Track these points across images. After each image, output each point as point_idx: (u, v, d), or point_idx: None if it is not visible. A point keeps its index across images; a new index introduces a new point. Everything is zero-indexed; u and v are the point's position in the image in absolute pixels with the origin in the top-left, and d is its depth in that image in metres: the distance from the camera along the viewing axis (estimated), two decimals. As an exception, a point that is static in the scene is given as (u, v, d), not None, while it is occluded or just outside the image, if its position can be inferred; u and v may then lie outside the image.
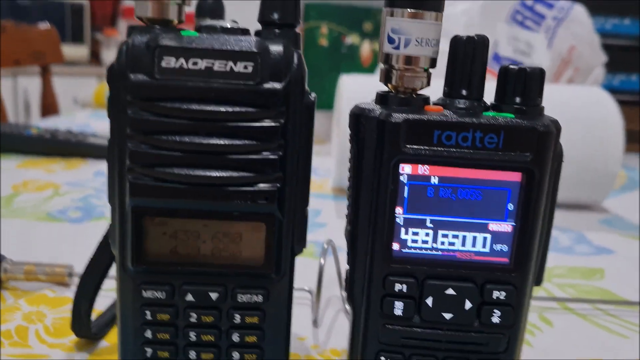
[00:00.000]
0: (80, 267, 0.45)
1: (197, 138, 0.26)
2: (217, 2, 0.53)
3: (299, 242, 0.29)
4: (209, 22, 0.28)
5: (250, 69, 0.26)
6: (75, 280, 0.43)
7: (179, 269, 0.28)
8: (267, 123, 0.26)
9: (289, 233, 0.28)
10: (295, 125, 0.27)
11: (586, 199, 0.70)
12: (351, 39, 1.00)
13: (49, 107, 1.41)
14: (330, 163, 0.84)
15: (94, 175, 0.74)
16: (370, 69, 0.99)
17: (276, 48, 0.26)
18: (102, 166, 0.77)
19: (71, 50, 2.54)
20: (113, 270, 0.31)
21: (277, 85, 0.26)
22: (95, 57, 2.71)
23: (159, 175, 0.27)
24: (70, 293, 0.42)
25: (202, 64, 0.26)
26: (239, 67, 0.26)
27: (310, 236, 0.56)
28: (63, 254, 0.48)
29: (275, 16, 0.27)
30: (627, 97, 1.07)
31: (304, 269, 0.41)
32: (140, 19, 0.27)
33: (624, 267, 0.55)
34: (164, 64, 0.26)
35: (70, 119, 1.13)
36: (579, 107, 0.69)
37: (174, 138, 0.26)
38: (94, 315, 0.35)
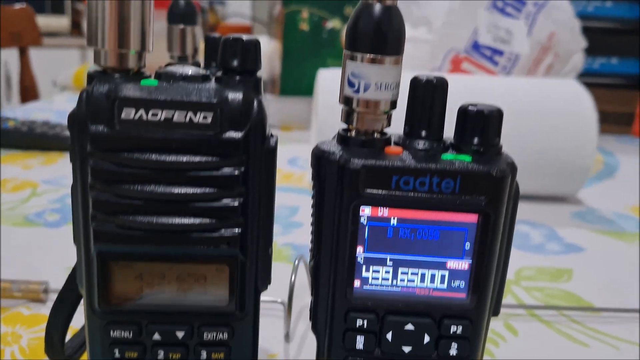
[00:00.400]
0: (56, 278, 0.45)
1: (159, 187, 0.27)
2: (188, 7, 0.53)
3: (263, 281, 0.30)
4: (169, 68, 0.28)
5: (209, 119, 0.26)
6: (51, 297, 0.44)
7: (145, 310, 0.29)
8: (227, 171, 0.27)
9: (252, 273, 0.29)
10: (255, 171, 0.27)
11: (560, 191, 0.72)
12: (332, 23, 0.99)
13: (27, 90, 1.40)
14: (308, 152, 0.84)
15: (71, 171, 0.74)
16: (350, 54, 0.99)
17: (236, 96, 0.27)
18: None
19: (51, 21, 2.50)
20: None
21: (236, 135, 0.27)
22: (76, 28, 2.66)
23: (122, 223, 0.27)
24: (45, 310, 0.42)
25: (162, 115, 0.26)
26: (199, 118, 0.26)
27: (287, 238, 0.56)
28: (40, 264, 0.49)
29: (235, 63, 0.27)
30: (607, 80, 1.08)
31: (277, 273, 0.41)
32: (99, 66, 0.27)
33: (592, 266, 0.56)
34: (123, 115, 0.26)
35: (49, 104, 1.12)
36: (554, 100, 0.70)
37: (135, 187, 0.27)
38: (69, 334, 0.36)
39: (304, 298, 0.46)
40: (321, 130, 0.67)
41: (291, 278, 0.41)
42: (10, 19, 1.30)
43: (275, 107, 0.98)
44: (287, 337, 0.41)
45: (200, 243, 0.27)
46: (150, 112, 0.26)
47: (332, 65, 0.99)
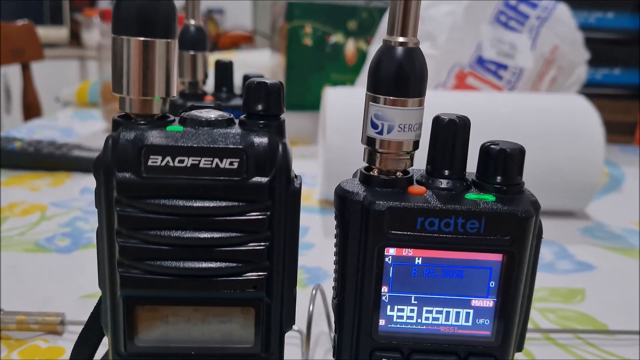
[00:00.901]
0: (71, 308, 0.45)
1: (185, 232, 0.27)
2: (199, 33, 0.53)
3: (287, 321, 0.30)
4: (193, 112, 0.28)
5: (236, 165, 0.26)
6: (68, 328, 0.44)
7: (170, 352, 0.29)
8: (253, 216, 0.27)
9: (277, 314, 0.29)
10: (281, 215, 0.28)
11: (567, 207, 0.72)
12: (335, 37, 0.99)
13: (30, 106, 1.40)
14: (315, 168, 0.84)
15: (80, 192, 0.74)
16: (355, 69, 0.99)
17: (261, 141, 0.27)
18: (88, 181, 0.77)
19: (50, 33, 2.50)
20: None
21: (262, 180, 0.27)
22: (75, 39, 2.66)
23: (148, 268, 0.27)
24: (62, 342, 0.42)
25: (188, 161, 0.26)
26: (225, 164, 0.26)
27: (299, 260, 0.57)
28: (53, 293, 0.49)
29: (260, 107, 0.27)
30: (610, 90, 1.08)
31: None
32: (125, 113, 0.28)
33: (604, 285, 0.56)
34: (150, 162, 0.26)
35: (52, 120, 1.12)
36: (561, 117, 0.70)
37: (162, 233, 0.27)
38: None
39: (320, 325, 0.46)
40: (329, 150, 0.67)
41: (309, 308, 0.41)
42: (12, 35, 1.30)
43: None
44: (306, 367, 0.41)
45: (227, 287, 0.27)
46: (177, 159, 0.26)
47: (336, 79, 0.99)
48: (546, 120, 0.70)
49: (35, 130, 1.02)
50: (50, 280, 0.51)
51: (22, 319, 0.42)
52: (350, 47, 1.00)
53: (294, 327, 0.44)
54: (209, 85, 0.57)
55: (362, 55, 1.00)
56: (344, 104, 0.70)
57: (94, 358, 0.34)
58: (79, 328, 0.33)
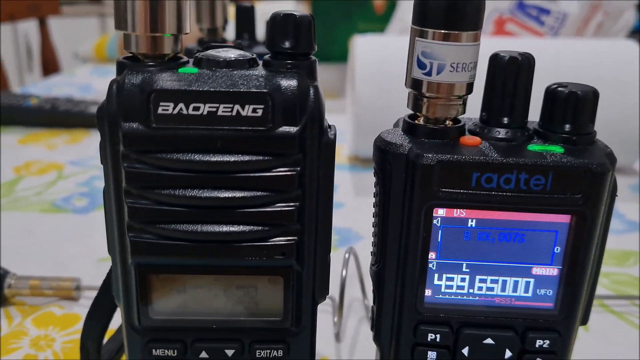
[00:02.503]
0: (87, 272, 0.43)
1: (203, 192, 0.23)
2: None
3: (321, 292, 0.26)
4: (210, 52, 0.24)
5: (260, 113, 0.22)
6: (84, 294, 0.41)
7: (190, 326, 0.26)
8: (281, 172, 0.23)
9: (310, 284, 0.26)
10: (313, 170, 0.24)
11: (617, 163, 0.67)
12: (363, -16, 0.93)
13: (48, 62, 1.37)
14: (344, 122, 0.80)
15: (97, 150, 0.71)
16: (384, 18, 0.93)
17: (289, 84, 0.23)
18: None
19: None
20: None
21: (291, 130, 0.23)
22: (95, -5, 2.61)
23: (162, 233, 0.24)
24: (78, 308, 0.40)
25: (205, 108, 0.22)
26: (247, 111, 0.22)
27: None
28: (69, 256, 0.46)
29: (287, 44, 0.23)
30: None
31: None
32: (130, 53, 0.24)
33: (659, 246, 0.52)
34: (160, 110, 0.22)
35: (71, 77, 1.09)
36: (611, 63, 0.65)
37: (176, 192, 0.23)
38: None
39: (352, 291, 0.42)
40: (358, 103, 0.63)
41: (342, 273, 0.38)
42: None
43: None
44: (338, 337, 0.38)
45: (251, 254, 0.24)
46: (192, 106, 0.22)
47: (364, 29, 0.94)
48: (594, 67, 0.64)
49: (53, 87, 0.99)
50: (66, 242, 0.49)
51: (35, 284, 0.40)
52: (379, -6, 0.94)
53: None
54: (230, 33, 0.52)
55: (391, 4, 0.94)
56: (375, 53, 0.65)
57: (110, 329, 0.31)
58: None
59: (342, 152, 0.72)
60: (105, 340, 0.32)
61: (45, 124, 0.77)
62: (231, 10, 0.51)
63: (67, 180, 0.61)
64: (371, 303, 0.28)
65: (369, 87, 0.63)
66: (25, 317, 0.39)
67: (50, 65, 1.39)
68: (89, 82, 1.04)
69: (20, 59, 2.30)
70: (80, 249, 0.47)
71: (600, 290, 0.45)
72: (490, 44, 0.68)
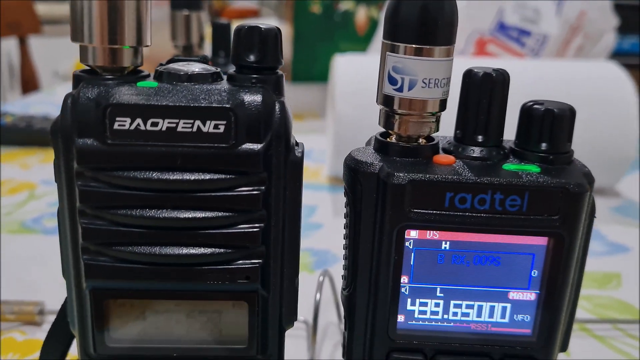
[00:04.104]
0: (53, 296, 0.41)
1: (162, 212, 0.22)
2: (193, -9, 0.48)
3: (288, 317, 0.25)
4: (171, 66, 0.23)
5: (222, 129, 0.21)
6: (48, 318, 0.39)
7: (149, 354, 0.24)
8: (245, 191, 0.22)
9: (276, 309, 0.24)
10: (279, 190, 0.23)
11: (597, 183, 0.66)
12: (345, 4, 0.93)
13: (28, 81, 1.35)
14: (324, 143, 0.79)
15: (73, 169, 0.69)
16: (366, 38, 0.93)
17: (253, 99, 0.22)
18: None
19: (52, 9, 2.44)
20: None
21: (255, 147, 0.22)
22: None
23: (118, 255, 0.22)
24: (41, 334, 0.38)
25: (164, 124, 0.21)
26: (209, 127, 0.21)
27: (305, 242, 0.52)
28: (36, 278, 0.44)
29: (252, 58, 0.22)
30: (638, 60, 1.01)
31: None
32: (87, 66, 0.23)
33: (641, 269, 0.51)
34: (117, 125, 0.21)
35: (50, 95, 1.07)
36: (591, 85, 0.64)
37: (133, 212, 0.22)
38: None
39: (327, 315, 0.41)
40: (339, 121, 0.62)
41: (316, 296, 0.37)
42: (8, 7, 1.25)
43: (286, 94, 0.93)
44: (312, 362, 0.37)
45: (214, 278, 0.23)
46: (150, 121, 0.21)
47: (346, 49, 0.93)
48: (575, 89, 0.64)
49: (31, 106, 0.97)
50: (34, 264, 0.47)
51: (-4, 308, 0.38)
52: (362, 15, 0.94)
53: (300, 317, 0.40)
54: (206, 50, 0.51)
55: (373, 24, 0.94)
56: (355, 71, 0.64)
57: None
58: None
59: (322, 173, 0.71)
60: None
61: (20, 142, 0.75)
62: (208, 31, 0.50)
63: (38, 201, 0.60)
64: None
65: (349, 106, 0.62)
66: (-16, 344, 0.37)
67: (29, 84, 1.37)
68: (68, 100, 1.02)
69: (2, 78, 2.28)
70: (48, 271, 0.46)
71: (581, 313, 0.44)
72: (471, 64, 0.68)
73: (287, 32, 0.99)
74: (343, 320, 0.39)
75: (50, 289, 0.43)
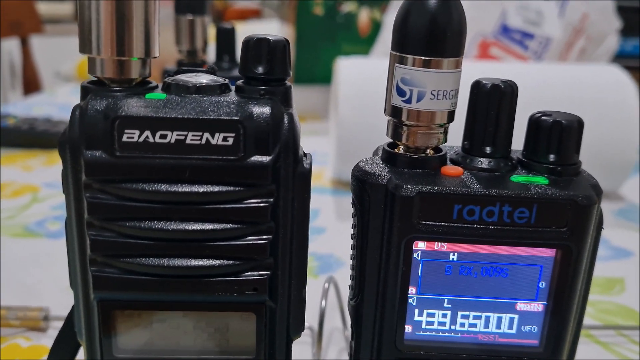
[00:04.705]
0: (58, 301, 0.41)
1: (170, 224, 0.22)
2: (197, -5, 0.48)
3: (295, 328, 0.25)
4: (180, 77, 0.23)
5: (230, 141, 0.21)
6: (52, 324, 0.39)
7: (157, 365, 0.24)
8: (253, 203, 0.22)
9: (284, 320, 0.24)
10: (287, 202, 0.23)
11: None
12: (348, 6, 0.93)
13: (30, 81, 1.35)
14: (326, 145, 0.79)
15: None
16: (369, 40, 0.93)
17: (262, 111, 0.22)
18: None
19: (53, 8, 2.44)
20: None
21: (264, 159, 0.22)
22: (80, 14, 2.61)
23: (126, 267, 0.22)
24: (46, 340, 0.38)
25: (172, 136, 0.21)
26: (218, 139, 0.21)
27: (309, 247, 0.52)
28: (40, 283, 0.44)
29: (261, 70, 0.22)
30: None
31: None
32: (96, 77, 0.23)
33: (644, 274, 0.51)
34: (125, 138, 0.21)
35: (52, 96, 1.07)
36: (593, 89, 0.64)
37: (141, 224, 0.22)
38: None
39: (332, 321, 0.41)
40: (342, 125, 0.62)
41: (321, 303, 0.37)
42: (10, 7, 1.25)
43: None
44: (317, 369, 0.37)
45: (222, 289, 0.23)
46: (158, 134, 0.21)
47: (348, 51, 0.93)
48: (578, 92, 0.64)
49: (33, 107, 0.97)
50: (37, 268, 0.47)
51: (1, 314, 0.38)
52: (364, 16, 0.94)
53: (305, 323, 0.40)
54: (210, 55, 0.51)
55: (376, 26, 0.94)
56: (358, 75, 0.64)
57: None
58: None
59: (325, 176, 0.71)
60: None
61: (23, 144, 0.75)
62: (212, 32, 0.50)
63: (42, 204, 0.60)
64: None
65: (352, 109, 0.62)
66: (-11, 350, 0.37)
67: (31, 85, 1.37)
68: (69, 101, 1.02)
69: (3, 78, 2.28)
70: (52, 275, 0.46)
71: (585, 319, 0.43)
72: (475, 67, 0.68)
73: (289, 34, 0.99)
74: (348, 327, 0.39)
75: (54, 293, 0.43)
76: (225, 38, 0.48)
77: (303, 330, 0.25)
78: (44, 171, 0.69)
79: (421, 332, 0.25)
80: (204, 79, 0.23)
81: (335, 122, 0.68)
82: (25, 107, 0.98)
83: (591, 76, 0.66)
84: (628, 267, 0.52)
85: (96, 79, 0.23)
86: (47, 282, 0.45)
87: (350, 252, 0.26)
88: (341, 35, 0.94)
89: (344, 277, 0.38)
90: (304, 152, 0.23)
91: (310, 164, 0.23)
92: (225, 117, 0.21)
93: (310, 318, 0.38)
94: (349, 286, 0.26)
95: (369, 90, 0.62)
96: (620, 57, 0.94)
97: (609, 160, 0.63)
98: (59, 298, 0.42)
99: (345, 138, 0.62)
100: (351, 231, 0.26)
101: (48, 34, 1.78)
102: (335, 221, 0.58)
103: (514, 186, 0.23)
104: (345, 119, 0.62)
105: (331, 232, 0.56)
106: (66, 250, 0.24)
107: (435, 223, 0.23)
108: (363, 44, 0.94)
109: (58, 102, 1.02)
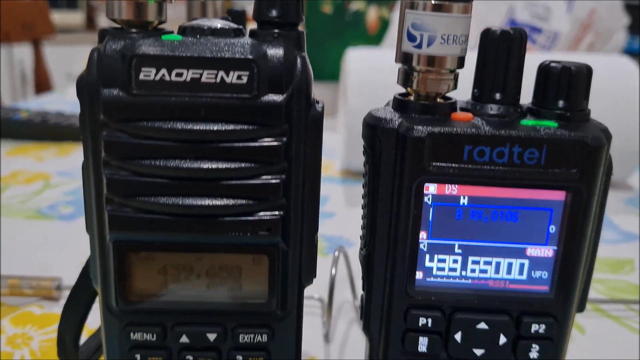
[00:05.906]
0: (70, 274, 0.41)
1: (185, 162, 0.22)
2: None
3: (307, 274, 0.25)
4: (195, 22, 0.23)
5: (245, 80, 0.22)
6: (64, 294, 0.40)
7: (170, 308, 0.25)
8: (266, 142, 0.22)
9: (296, 265, 0.25)
10: (300, 142, 0.23)
11: (609, 177, 0.66)
12: (356, 4, 0.94)
13: (41, 82, 1.37)
14: (336, 140, 0.80)
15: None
16: (377, 38, 0.94)
17: (276, 52, 0.22)
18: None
19: (66, 17, 2.48)
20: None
21: (277, 98, 0.22)
22: (91, 23, 2.64)
23: (141, 206, 0.23)
24: (58, 308, 0.38)
25: (188, 75, 0.22)
26: (232, 78, 0.22)
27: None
28: (53, 259, 0.45)
29: (274, 13, 0.23)
30: (648, 60, 1.01)
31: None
32: (113, 20, 0.23)
33: (654, 256, 0.51)
34: (142, 76, 0.22)
35: (63, 95, 1.08)
36: (602, 78, 0.65)
37: (157, 163, 0.22)
38: (84, 334, 0.31)
39: (342, 293, 0.41)
40: (350, 114, 0.63)
41: (331, 271, 0.37)
42: (23, 11, 1.27)
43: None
44: (327, 337, 0.37)
45: (235, 229, 0.23)
46: (174, 72, 0.22)
47: (357, 49, 0.94)
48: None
49: (44, 105, 0.98)
50: (50, 246, 0.47)
51: (14, 283, 0.39)
52: (372, 15, 0.95)
53: (314, 295, 0.40)
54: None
55: (384, 24, 0.95)
56: (367, 65, 0.65)
57: (89, 324, 0.30)
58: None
59: (335, 167, 0.72)
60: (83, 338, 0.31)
61: (35, 136, 0.76)
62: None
63: (54, 190, 0.60)
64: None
65: (361, 98, 0.63)
66: (3, 317, 0.37)
67: (43, 86, 1.39)
68: (81, 100, 1.03)
69: (14, 85, 2.31)
70: (64, 252, 0.46)
71: (597, 295, 0.44)
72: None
73: (298, 33, 1.00)
74: (356, 297, 0.39)
75: (67, 268, 0.43)
76: (237, 21, 0.49)
77: (315, 277, 0.26)
78: (56, 161, 0.69)
79: (432, 279, 0.25)
80: (218, 23, 0.23)
81: (344, 112, 0.68)
82: (37, 105, 0.99)
83: (602, 66, 0.67)
84: (638, 249, 0.52)
85: (113, 25, 0.23)
86: (60, 258, 0.45)
87: (361, 201, 0.26)
88: (349, 33, 0.95)
89: (353, 255, 0.38)
90: (316, 98, 0.24)
91: (323, 108, 0.24)
92: (240, 56, 0.22)
93: (321, 290, 0.39)
94: (360, 236, 0.26)
95: (377, 79, 0.63)
96: (628, 55, 0.94)
97: (618, 150, 0.63)
98: (71, 272, 0.42)
99: (354, 127, 0.63)
100: (361, 211, 0.26)
101: (59, 42, 1.80)
102: (344, 207, 0.59)
103: (524, 128, 0.23)
104: (354, 107, 0.63)
105: (340, 217, 0.56)
106: (82, 197, 0.24)
107: (446, 164, 0.23)
108: (371, 42, 0.95)
109: (69, 100, 1.03)
